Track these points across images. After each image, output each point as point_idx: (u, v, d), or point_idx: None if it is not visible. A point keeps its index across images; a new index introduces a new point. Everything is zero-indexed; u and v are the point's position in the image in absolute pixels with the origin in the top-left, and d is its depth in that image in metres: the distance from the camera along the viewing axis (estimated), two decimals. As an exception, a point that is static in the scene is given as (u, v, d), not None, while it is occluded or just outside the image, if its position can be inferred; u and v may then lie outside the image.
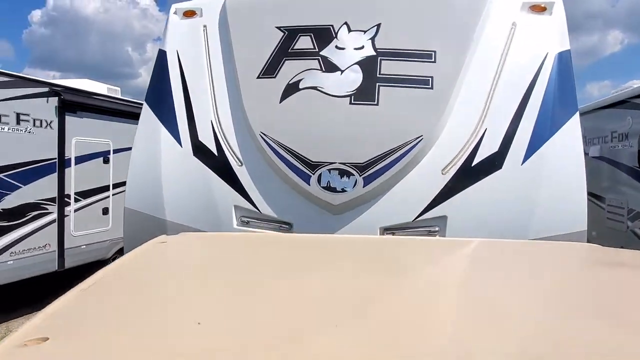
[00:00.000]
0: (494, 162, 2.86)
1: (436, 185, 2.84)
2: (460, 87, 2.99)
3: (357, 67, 3.04)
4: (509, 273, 1.50)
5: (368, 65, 3.02)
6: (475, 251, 2.09)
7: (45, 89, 6.98)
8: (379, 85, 2.97)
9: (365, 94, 2.96)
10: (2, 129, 6.36)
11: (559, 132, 2.92)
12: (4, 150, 6.42)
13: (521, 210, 2.80)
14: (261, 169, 3.00)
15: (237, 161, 3.06)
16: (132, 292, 1.16)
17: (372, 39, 3.08)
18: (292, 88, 3.05)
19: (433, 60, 3.01)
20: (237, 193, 3.02)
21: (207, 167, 3.10)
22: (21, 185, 6.64)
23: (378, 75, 2.99)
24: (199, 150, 3.15)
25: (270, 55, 3.16)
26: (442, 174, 2.86)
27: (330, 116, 2.96)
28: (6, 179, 6.45)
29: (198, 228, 3.05)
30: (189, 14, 3.60)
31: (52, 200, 7.06)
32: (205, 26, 3.51)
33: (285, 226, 2.96)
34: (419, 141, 2.83)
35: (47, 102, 6.97)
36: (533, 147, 2.88)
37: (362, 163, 2.83)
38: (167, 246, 1.62)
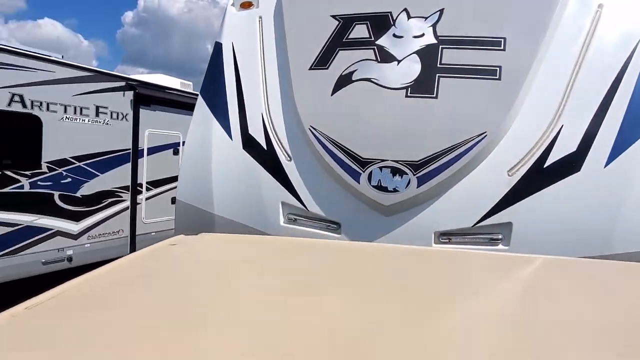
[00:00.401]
0: (571, 164, 2.50)
1: (501, 188, 2.54)
2: (534, 78, 2.65)
3: (415, 56, 2.79)
4: (581, 303, 1.21)
5: (428, 55, 2.77)
6: (542, 270, 1.79)
7: (122, 83, 7.35)
8: (438, 77, 2.71)
9: (423, 86, 2.71)
10: (82, 120, 6.79)
11: (651, 132, 2.49)
12: (84, 140, 6.85)
13: (603, 220, 2.42)
14: (310, 165, 2.86)
15: (286, 156, 2.95)
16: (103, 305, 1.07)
17: (434, 25, 2.82)
18: (344, 80, 2.88)
19: (502, 48, 2.69)
20: (284, 189, 2.91)
21: (255, 162, 3.02)
22: (99, 174, 7.07)
23: (438, 66, 2.73)
24: (249, 143, 3.08)
25: (324, 46, 3.01)
26: (508, 175, 2.55)
27: (384, 110, 2.75)
28: (85, 167, 6.89)
29: (245, 224, 2.99)
30: (246, 5, 3.53)
31: (125, 188, 7.45)
32: (260, 17, 3.42)
33: (333, 226, 2.80)
34: (482, 138, 2.54)
35: (124, 95, 7.34)
36: (620, 146, 2.48)
37: (417, 161, 2.59)
38: (171, 249, 1.53)
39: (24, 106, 6.06)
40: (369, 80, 2.82)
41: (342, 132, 2.78)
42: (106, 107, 7.11)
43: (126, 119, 7.40)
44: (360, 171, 2.68)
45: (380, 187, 2.63)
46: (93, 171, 7.03)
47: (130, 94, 7.39)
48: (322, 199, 2.82)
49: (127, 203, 7.50)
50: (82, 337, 0.90)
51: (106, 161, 7.16)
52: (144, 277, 1.26)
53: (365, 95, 2.80)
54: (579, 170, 2.48)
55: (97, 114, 6.97)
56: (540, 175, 2.51)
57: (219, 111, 3.25)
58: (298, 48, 3.09)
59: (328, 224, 2.81)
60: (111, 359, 0.75)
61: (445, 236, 2.61)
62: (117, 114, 7.30)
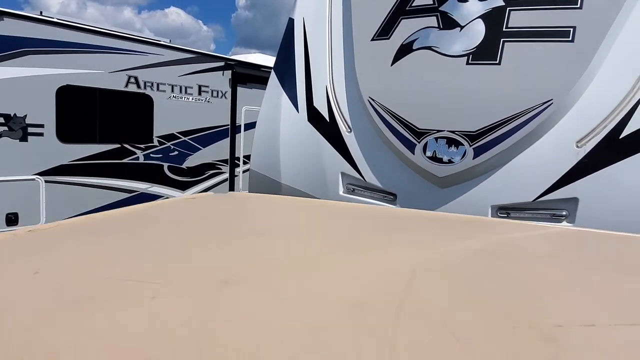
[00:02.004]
0: (652, 136, 2.22)
1: (567, 161, 2.34)
2: (614, 40, 2.37)
3: (479, 21, 2.65)
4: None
5: (493, 18, 2.61)
6: (606, 245, 1.63)
7: (221, 63, 7.89)
8: (503, 41, 2.55)
9: (485, 51, 2.57)
10: (187, 99, 7.44)
11: None
12: (189, 116, 7.52)
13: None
14: (369, 136, 2.89)
15: (347, 127, 3.01)
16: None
17: (503, -14, 2.64)
18: (405, 49, 2.83)
19: (578, 5, 2.44)
20: (344, 160, 2.98)
21: (319, 133, 3.13)
22: (201, 148, 7.74)
23: (504, 29, 2.56)
24: (313, 115, 3.19)
25: (387, 15, 2.98)
26: (577, 147, 2.34)
27: (443, 79, 2.66)
28: (190, 141, 7.59)
29: (308, 192, 3.12)
30: None
31: (224, 161, 8.07)
32: (330, -9, 3.47)
33: (389, 196, 2.82)
34: (548, 106, 2.35)
35: (223, 75, 7.88)
36: None
37: (474, 132, 2.49)
38: (187, 203, 1.66)
39: (138, 86, 6.82)
40: (429, 48, 2.74)
41: (399, 102, 2.76)
42: (207, 86, 7.69)
43: (225, 97, 7.96)
44: (416, 142, 2.65)
45: (434, 158, 2.58)
46: (197, 145, 7.70)
47: (228, 73, 7.91)
48: (379, 170, 2.85)
49: (226, 175, 8.12)
50: (77, 258, 1.03)
51: (208, 136, 7.81)
52: (168, 221, 1.42)
53: (425, 64, 2.74)
54: (661, 144, 2.20)
55: (199, 93, 7.59)
56: (614, 147, 2.27)
57: (288, 85, 3.40)
58: (362, 19, 3.10)
59: (384, 194, 2.84)
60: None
61: (504, 210, 2.49)
62: (217, 92, 7.87)
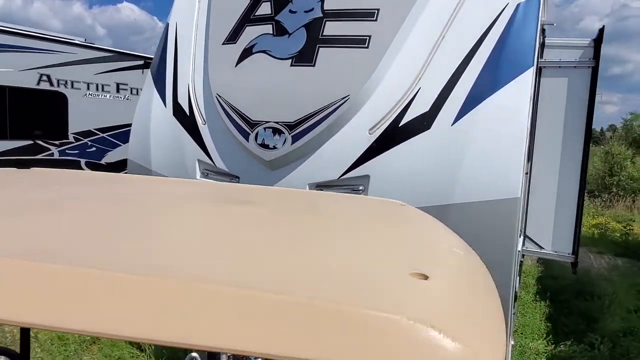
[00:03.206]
0: (423, 122, 2.77)
1: (362, 145, 2.86)
2: (402, 45, 2.91)
3: (303, 29, 3.14)
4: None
5: (313, 27, 3.10)
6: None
7: (141, 62, 8.13)
8: (319, 47, 3.04)
9: (305, 55, 3.06)
10: (105, 96, 7.65)
11: (500, 91, 2.69)
12: (107, 114, 7.73)
13: (445, 173, 2.69)
14: (218, 128, 3.32)
15: (202, 120, 3.43)
16: None
17: (322, 1, 3.14)
18: (246, 52, 3.28)
19: (374, 18, 2.97)
20: (200, 149, 3.39)
21: (180, 125, 3.53)
22: (121, 144, 7.95)
23: (320, 37, 3.06)
24: (177, 110, 3.59)
25: (236, 22, 3.42)
26: (369, 133, 2.86)
27: (272, 78, 3.13)
28: (109, 138, 7.80)
29: (172, 178, 3.52)
30: None
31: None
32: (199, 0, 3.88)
33: (234, 179, 3.26)
34: (345, 101, 2.86)
35: (143, 73, 8.12)
36: (467, 106, 2.71)
37: (292, 122, 2.97)
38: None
39: (51, 84, 6.98)
40: (264, 52, 3.21)
41: (239, 98, 3.21)
42: (126, 84, 7.92)
43: (144, 95, 8.21)
44: (250, 131, 3.10)
45: (263, 145, 3.04)
46: (116, 141, 7.91)
47: (148, 72, 8.16)
48: (225, 157, 3.28)
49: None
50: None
51: (127, 133, 8.01)
52: None
53: (259, 65, 3.20)
54: (429, 128, 2.75)
55: (117, 90, 7.80)
56: (395, 133, 2.81)
57: (159, 83, 3.79)
58: (218, 25, 3.53)
59: (230, 177, 3.27)
60: None
61: (318, 187, 2.98)
62: (137, 90, 8.10)
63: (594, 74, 4.09)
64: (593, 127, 4.48)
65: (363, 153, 2.85)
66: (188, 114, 3.51)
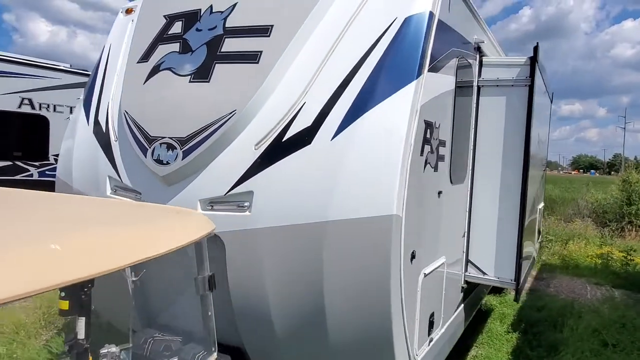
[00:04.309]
0: (304, 137, 2.71)
1: (248, 161, 2.81)
2: (292, 60, 2.89)
3: (204, 47, 3.16)
4: None
5: (213, 44, 3.12)
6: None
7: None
8: (215, 63, 3.05)
9: (202, 72, 3.07)
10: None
11: (380, 105, 2.62)
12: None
13: (323, 189, 2.60)
14: (125, 145, 3.34)
15: (115, 137, 3.46)
16: None
17: (225, 18, 3.17)
18: (154, 70, 3.32)
19: (268, 34, 2.96)
20: (110, 165, 3.42)
21: (97, 142, 3.57)
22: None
23: (218, 54, 3.07)
24: (96, 127, 3.64)
25: (151, 42, 3.48)
26: (255, 149, 2.81)
27: (172, 94, 3.14)
28: None
29: (89, 194, 3.54)
30: (129, 11, 4.11)
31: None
32: (132, 20, 3.98)
33: (138, 195, 3.25)
34: (232, 116, 2.83)
35: None
36: (347, 121, 2.64)
37: (184, 137, 2.96)
38: None
39: (33, 107, 7.24)
40: (169, 69, 3.24)
41: (142, 115, 3.23)
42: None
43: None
44: (148, 147, 3.10)
45: (158, 161, 3.03)
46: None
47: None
48: (130, 172, 3.29)
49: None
50: None
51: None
52: None
53: (163, 82, 3.23)
54: (310, 144, 2.68)
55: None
56: (278, 149, 2.75)
57: (86, 102, 3.87)
58: (136, 45, 3.60)
59: (135, 193, 3.27)
60: None
61: (209, 203, 2.94)
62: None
63: (530, 92, 3.95)
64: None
65: (248, 169, 2.80)
66: (104, 131, 3.56)
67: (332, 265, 2.60)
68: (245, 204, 2.81)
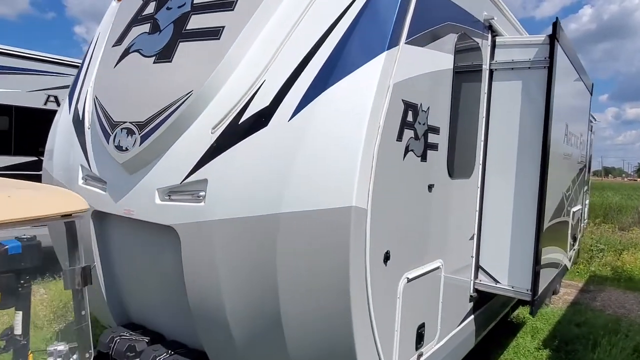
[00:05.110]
0: (261, 119, 2.41)
1: (204, 146, 2.54)
2: (256, 36, 2.61)
3: (172, 25, 2.94)
4: None
5: (180, 22, 2.89)
6: None
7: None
8: (179, 42, 2.82)
9: (166, 51, 2.85)
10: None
11: (343, 81, 2.27)
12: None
13: (278, 177, 2.29)
14: (95, 131, 3.17)
15: (89, 124, 3.31)
16: None
17: (194, -6, 2.93)
18: (125, 53, 3.14)
19: (232, 8, 2.70)
20: (83, 153, 3.26)
21: (74, 130, 3.44)
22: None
23: (183, 32, 2.84)
24: (75, 116, 3.51)
25: (127, 24, 3.31)
26: (211, 133, 2.54)
27: (137, 77, 2.94)
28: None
29: (66, 185, 3.41)
30: None
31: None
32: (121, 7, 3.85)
33: (104, 184, 3.07)
34: (188, 97, 2.58)
35: None
36: (307, 100, 2.32)
37: (142, 121, 2.74)
38: None
39: (58, 104, 7.38)
40: (138, 51, 3.04)
41: (109, 99, 3.05)
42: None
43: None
44: (111, 133, 2.91)
45: (118, 147, 2.83)
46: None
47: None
48: (97, 161, 3.11)
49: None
50: None
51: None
52: None
53: (131, 65, 3.03)
54: (267, 125, 2.38)
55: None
56: (235, 132, 2.47)
57: (71, 91, 3.75)
58: (115, 29, 3.45)
59: (102, 183, 3.09)
60: None
61: (167, 193, 2.69)
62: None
63: (550, 75, 3.44)
64: None
65: (203, 155, 2.53)
66: (80, 119, 3.42)
67: (286, 266, 2.28)
68: (201, 193, 2.54)
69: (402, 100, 2.44)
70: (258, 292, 2.41)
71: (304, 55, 2.42)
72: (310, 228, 2.20)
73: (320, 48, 2.39)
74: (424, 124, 2.70)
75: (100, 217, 3.15)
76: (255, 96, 2.47)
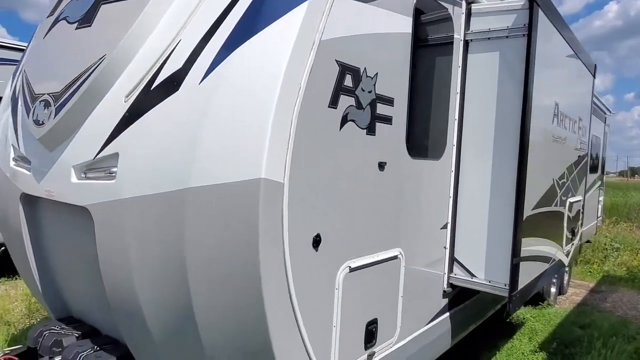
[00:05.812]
0: (173, 83, 2.12)
1: (117, 116, 2.27)
2: None
3: (97, -12, 2.67)
4: None
5: (105, -16, 2.62)
6: None
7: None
8: (101, 4, 2.55)
9: (88, 16, 2.58)
10: None
11: (259, 35, 1.96)
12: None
13: (186, 148, 1.99)
14: (22, 106, 2.93)
15: (22, 102, 3.07)
16: None
17: (122, -47, 2.66)
18: (54, 22, 2.89)
19: (155, -37, 2.41)
20: (14, 132, 3.03)
21: (10, 109, 3.20)
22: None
23: (105, -7, 2.57)
24: (13, 94, 3.27)
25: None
26: (124, 101, 2.27)
27: (60, 45, 2.70)
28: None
29: (3, 168, 3.17)
30: None
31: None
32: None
33: (28, 164, 2.82)
34: (101, 62, 2.31)
35: None
36: (220, 58, 2.02)
37: (58, 92, 2.48)
38: None
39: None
40: (65, 19, 2.79)
41: (33, 72, 2.81)
42: None
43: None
44: (31, 107, 2.66)
45: (36, 121, 2.58)
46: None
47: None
48: (24, 139, 2.86)
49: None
50: None
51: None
52: None
53: (57, 34, 2.79)
54: (178, 89, 2.09)
55: None
56: (147, 98, 2.19)
57: (16, 67, 3.53)
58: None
59: (27, 162, 2.84)
60: None
61: (84, 171, 2.42)
62: None
63: (529, 44, 3.07)
64: None
65: (116, 126, 2.25)
66: (16, 96, 3.18)
67: (194, 249, 1.98)
68: (114, 169, 2.26)
69: (337, 61, 2.12)
70: (170, 281, 2.12)
71: (223, 9, 2.12)
72: (218, 206, 1.90)
73: (238, 3, 2.09)
74: (369, 92, 2.37)
75: (30, 201, 2.91)
76: (170, 58, 2.18)
